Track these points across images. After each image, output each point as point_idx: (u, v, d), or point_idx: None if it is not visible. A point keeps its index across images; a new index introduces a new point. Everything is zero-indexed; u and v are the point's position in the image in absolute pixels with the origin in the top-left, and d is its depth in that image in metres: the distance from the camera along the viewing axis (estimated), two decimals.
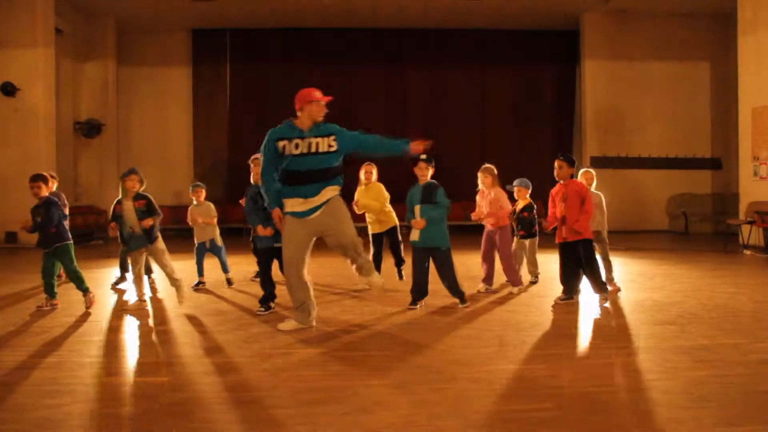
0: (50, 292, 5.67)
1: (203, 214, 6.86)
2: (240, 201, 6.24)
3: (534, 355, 4.04)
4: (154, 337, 4.64)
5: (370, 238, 6.75)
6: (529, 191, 6.94)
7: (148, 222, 5.57)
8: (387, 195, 6.71)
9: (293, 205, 4.61)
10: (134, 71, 15.62)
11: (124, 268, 6.89)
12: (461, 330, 4.75)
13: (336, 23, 15.36)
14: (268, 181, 4.67)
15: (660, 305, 5.67)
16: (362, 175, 6.68)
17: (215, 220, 6.92)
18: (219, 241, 6.94)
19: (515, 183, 6.90)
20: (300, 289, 4.72)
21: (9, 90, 12.03)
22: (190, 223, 6.93)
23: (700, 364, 3.78)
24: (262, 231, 5.41)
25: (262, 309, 5.41)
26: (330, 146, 4.60)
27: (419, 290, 5.62)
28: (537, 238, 6.96)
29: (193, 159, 16.02)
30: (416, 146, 4.69)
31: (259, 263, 5.77)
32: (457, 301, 5.67)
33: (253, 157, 5.70)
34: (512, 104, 16.33)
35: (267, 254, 5.50)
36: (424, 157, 5.44)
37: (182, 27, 15.67)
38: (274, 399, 3.20)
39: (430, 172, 5.57)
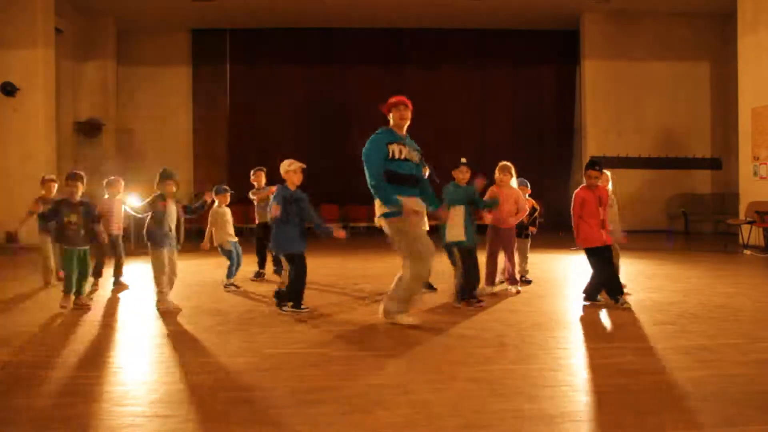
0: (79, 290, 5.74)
1: (220, 216, 6.84)
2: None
3: (534, 354, 4.04)
4: (153, 337, 4.64)
5: None
6: (529, 191, 6.96)
7: None
8: None
9: (416, 203, 4.86)
10: (134, 71, 15.63)
11: (98, 273, 6.82)
12: (461, 330, 4.75)
13: (336, 23, 15.38)
14: (380, 183, 4.71)
15: (660, 305, 5.67)
16: None
17: (227, 224, 6.83)
18: (227, 246, 6.84)
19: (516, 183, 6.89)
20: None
21: (9, 90, 12.04)
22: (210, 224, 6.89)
23: (700, 364, 3.78)
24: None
25: (289, 307, 5.39)
26: (420, 158, 4.96)
27: (474, 287, 5.74)
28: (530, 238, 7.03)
29: (193, 159, 16.03)
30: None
31: (289, 262, 5.60)
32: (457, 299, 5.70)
33: (296, 166, 5.54)
34: (512, 104, 16.34)
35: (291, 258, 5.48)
36: (464, 160, 5.76)
37: (182, 27, 15.68)
38: (274, 399, 3.20)
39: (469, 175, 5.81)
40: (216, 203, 6.80)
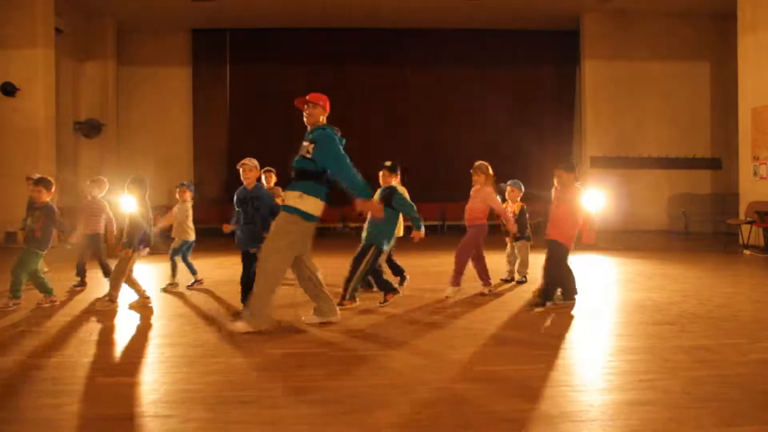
0: (45, 290, 5.81)
1: (179, 214, 6.83)
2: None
3: (533, 355, 4.04)
4: (153, 337, 4.63)
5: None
6: (522, 193, 6.91)
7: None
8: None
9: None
10: (134, 71, 15.63)
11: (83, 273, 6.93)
12: (461, 330, 4.75)
13: (336, 23, 15.37)
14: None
15: (660, 305, 5.67)
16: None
17: (186, 219, 6.82)
18: (179, 245, 6.82)
19: (508, 183, 6.89)
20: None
21: (9, 90, 12.03)
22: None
23: (700, 364, 3.78)
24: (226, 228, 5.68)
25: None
26: (308, 152, 4.68)
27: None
28: (530, 240, 6.96)
29: (193, 159, 16.04)
30: (361, 205, 4.75)
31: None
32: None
33: (241, 163, 5.59)
34: (512, 104, 16.33)
35: (244, 257, 5.49)
36: (388, 164, 5.72)
37: (182, 27, 15.68)
38: (273, 399, 3.20)
39: (394, 180, 5.73)
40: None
